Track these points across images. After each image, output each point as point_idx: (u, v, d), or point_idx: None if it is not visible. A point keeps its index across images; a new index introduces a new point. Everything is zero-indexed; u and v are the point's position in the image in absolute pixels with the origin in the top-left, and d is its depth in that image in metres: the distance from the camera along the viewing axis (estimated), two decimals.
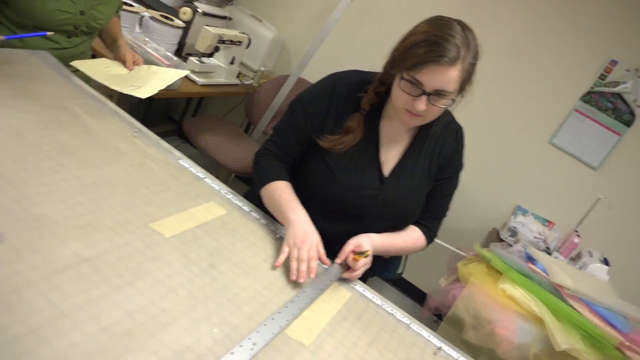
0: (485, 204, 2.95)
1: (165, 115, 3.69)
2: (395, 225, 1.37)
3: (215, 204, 1.25)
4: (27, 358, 0.67)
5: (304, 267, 1.09)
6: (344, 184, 1.28)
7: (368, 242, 1.26)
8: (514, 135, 2.82)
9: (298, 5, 3.17)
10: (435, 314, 2.37)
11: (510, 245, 2.54)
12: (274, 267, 1.12)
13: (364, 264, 1.22)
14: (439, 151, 1.35)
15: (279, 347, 0.92)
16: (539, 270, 2.03)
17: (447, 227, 2.94)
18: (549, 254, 2.52)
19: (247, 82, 2.99)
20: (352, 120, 1.27)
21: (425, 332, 1.19)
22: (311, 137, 1.29)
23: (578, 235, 2.50)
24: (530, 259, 2.13)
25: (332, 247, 1.35)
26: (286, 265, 1.15)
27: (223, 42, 2.64)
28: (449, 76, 1.10)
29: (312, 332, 1.00)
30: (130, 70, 1.68)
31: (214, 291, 0.97)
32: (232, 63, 2.83)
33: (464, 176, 2.91)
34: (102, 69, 1.60)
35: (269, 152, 1.33)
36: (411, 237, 1.42)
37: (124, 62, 1.70)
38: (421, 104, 1.14)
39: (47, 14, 1.46)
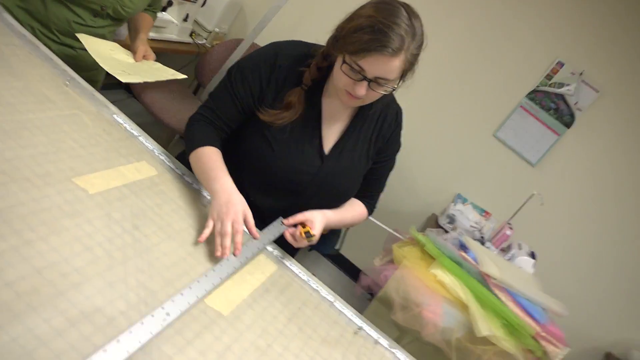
0: (426, 189, 3.01)
1: None
2: (332, 202, 1.36)
3: (146, 163, 1.21)
4: None
5: (227, 242, 1.05)
6: (282, 160, 1.26)
7: (321, 219, 1.25)
8: (460, 124, 2.87)
9: None
10: (369, 293, 2.41)
11: (447, 232, 2.61)
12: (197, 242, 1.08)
13: (307, 244, 1.21)
14: (378, 132, 1.34)
15: (196, 316, 0.90)
16: (469, 259, 2.09)
17: (388, 209, 3.00)
18: (483, 243, 2.60)
19: (199, 42, 2.90)
20: (293, 95, 1.24)
21: (349, 311, 1.20)
22: (249, 107, 1.26)
23: (510, 228, 2.59)
24: (463, 247, 2.19)
25: (268, 222, 1.34)
26: (213, 234, 1.12)
27: None
28: (391, 66, 1.09)
29: (232, 302, 0.99)
30: (136, 62, 1.65)
31: (134, 253, 0.94)
32: (185, 20, 2.73)
33: (408, 159, 2.98)
34: (106, 50, 1.55)
35: (203, 117, 1.28)
36: (357, 211, 1.44)
37: (134, 54, 1.67)
38: (361, 89, 1.12)
39: None
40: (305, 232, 1.18)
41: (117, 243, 0.93)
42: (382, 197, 2.84)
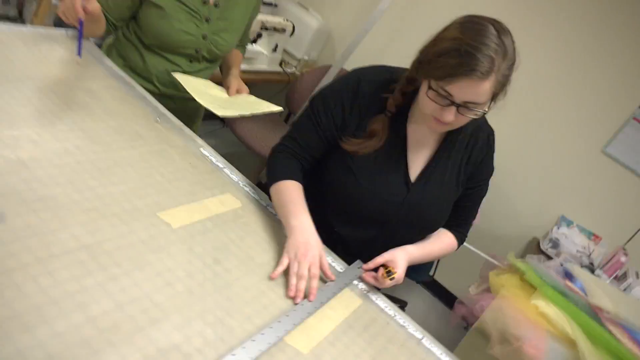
0: (527, 212, 2.81)
1: None
2: (419, 233, 1.30)
3: (231, 195, 1.22)
4: (5, 343, 0.66)
5: (302, 286, 1.03)
6: (367, 190, 1.22)
7: (403, 257, 1.20)
8: (564, 140, 2.66)
9: None
10: (465, 323, 2.28)
11: (550, 258, 2.41)
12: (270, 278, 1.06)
13: (391, 284, 1.16)
14: (469, 157, 1.26)
15: (273, 354, 0.88)
16: (576, 289, 1.91)
17: (485, 233, 2.85)
18: (592, 270, 2.38)
19: (289, 71, 2.96)
20: (377, 123, 1.20)
21: (437, 349, 1.12)
22: (333, 135, 1.23)
23: (626, 254, 2.34)
24: (568, 275, 2.01)
25: (352, 250, 1.30)
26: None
27: (266, 28, 2.62)
28: (481, 89, 1.02)
29: (312, 339, 0.96)
30: (230, 96, 1.64)
31: (214, 289, 0.94)
32: (274, 50, 2.80)
33: (506, 180, 2.81)
34: (200, 87, 1.57)
35: (286, 148, 1.27)
36: (445, 242, 1.36)
37: (228, 89, 1.67)
38: (449, 115, 1.06)
39: (173, 33, 1.48)
40: (387, 272, 1.14)
41: (197, 278, 0.94)
42: (479, 221, 2.71)
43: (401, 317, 1.15)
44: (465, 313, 2.10)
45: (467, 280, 2.37)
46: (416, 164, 1.25)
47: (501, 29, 1.02)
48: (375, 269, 1.20)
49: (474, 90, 1.02)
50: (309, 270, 1.05)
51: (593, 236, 2.65)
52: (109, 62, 1.48)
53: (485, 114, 1.10)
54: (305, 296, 1.02)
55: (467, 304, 2.09)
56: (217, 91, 1.64)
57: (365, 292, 1.18)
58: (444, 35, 1.05)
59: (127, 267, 0.88)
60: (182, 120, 1.43)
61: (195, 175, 1.22)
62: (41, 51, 1.35)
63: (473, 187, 1.31)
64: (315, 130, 1.24)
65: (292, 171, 1.23)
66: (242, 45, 1.86)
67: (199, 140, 1.38)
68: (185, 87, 1.47)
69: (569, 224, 2.69)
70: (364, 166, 1.22)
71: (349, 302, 1.11)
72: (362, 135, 1.21)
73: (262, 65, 2.79)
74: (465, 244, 2.45)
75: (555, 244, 2.60)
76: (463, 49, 0.99)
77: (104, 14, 1.42)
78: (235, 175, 1.31)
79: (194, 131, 1.42)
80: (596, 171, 2.62)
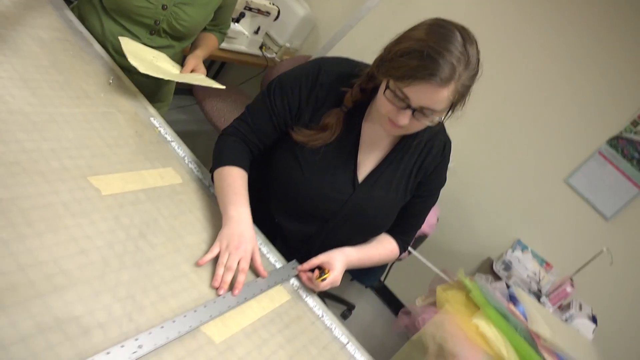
0: (484, 231, 2.82)
1: None
2: (360, 234, 1.27)
3: (172, 170, 1.17)
4: None
5: (228, 278, 0.98)
6: (311, 183, 1.18)
7: (341, 259, 1.17)
8: (529, 165, 2.67)
9: None
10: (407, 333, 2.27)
11: (500, 279, 2.42)
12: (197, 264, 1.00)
13: (325, 286, 1.12)
14: (421, 164, 1.23)
15: (183, 339, 0.84)
16: (518, 313, 1.91)
17: (439, 246, 2.85)
18: (539, 297, 2.39)
19: (269, 55, 2.90)
20: (331, 116, 1.16)
21: (362, 357, 1.09)
22: (286, 123, 1.19)
23: (572, 285, 2.36)
24: (513, 299, 2.01)
25: (291, 244, 1.26)
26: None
27: (250, 9, 2.55)
28: (438, 96, 0.99)
29: (228, 329, 0.91)
30: (182, 73, 1.48)
31: (132, 262, 0.89)
32: (256, 32, 2.74)
33: (467, 195, 2.82)
34: (147, 56, 1.42)
35: (237, 132, 1.22)
36: (386, 249, 1.32)
37: (184, 66, 1.51)
38: (404, 118, 1.03)
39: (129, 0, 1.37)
40: (320, 273, 1.10)
41: (116, 249, 0.89)
42: (436, 233, 2.71)
43: (328, 319, 1.12)
44: (408, 323, 2.08)
45: (418, 290, 2.36)
46: (366, 164, 1.22)
47: (468, 38, 1.00)
48: (312, 270, 1.16)
49: (431, 96, 0.99)
50: (239, 263, 1.01)
51: (545, 263, 2.67)
52: (70, 14, 1.41)
53: (440, 122, 1.07)
54: (230, 289, 0.98)
55: (411, 315, 2.07)
56: (168, 65, 1.48)
57: (295, 288, 1.14)
58: (409, 35, 1.02)
59: (40, 228, 0.82)
60: (146, 96, 1.35)
61: (139, 144, 1.17)
62: None
63: (421, 196, 1.29)
64: (269, 116, 1.19)
65: (239, 157, 1.18)
66: (218, 31, 1.72)
67: (151, 109, 1.32)
68: (124, 49, 1.32)
69: (524, 248, 2.70)
70: (311, 159, 1.18)
71: (276, 297, 1.07)
72: (314, 127, 1.17)
73: (241, 46, 2.73)
74: (418, 255, 2.45)
75: (508, 267, 2.61)
76: (426, 52, 0.96)
77: None
78: (182, 150, 1.26)
79: (159, 111, 1.35)
80: (556, 200, 2.64)
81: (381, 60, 1.07)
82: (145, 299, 0.85)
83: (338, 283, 1.16)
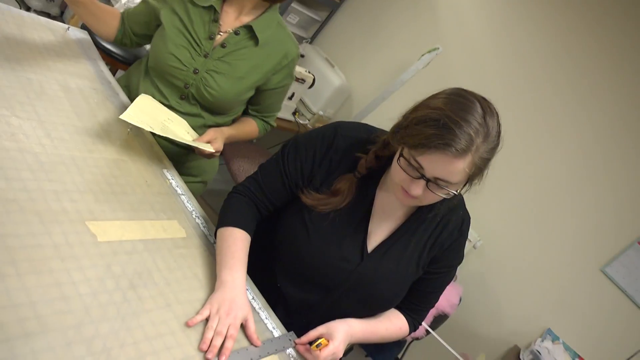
0: (512, 317, 2.65)
1: None
2: (368, 308, 1.18)
3: (177, 223, 1.14)
4: None
5: (218, 343, 0.92)
6: (317, 249, 1.12)
7: (343, 330, 1.09)
8: (563, 251, 2.54)
9: (374, 60, 3.12)
10: None
11: None
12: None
13: (325, 357, 1.04)
14: (435, 238, 1.16)
15: None
16: None
17: (462, 329, 2.69)
18: None
19: (301, 122, 2.94)
20: (343, 182, 1.12)
21: None
22: (297, 184, 1.15)
23: None
24: None
25: (293, 312, 1.19)
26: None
27: None
28: (454, 167, 0.93)
29: None
30: (197, 141, 1.38)
31: (116, 314, 0.84)
32: (290, 98, 2.79)
33: (497, 279, 2.68)
34: (160, 116, 1.34)
35: (247, 191, 1.19)
36: (395, 325, 1.23)
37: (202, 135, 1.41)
38: (417, 189, 0.98)
39: (164, 55, 1.36)
40: (317, 345, 1.02)
41: (101, 299, 0.85)
42: (458, 313, 2.56)
43: None
44: None
45: None
46: (377, 234, 1.15)
47: (488, 109, 0.95)
48: (311, 344, 1.08)
49: (446, 166, 0.94)
50: (227, 329, 0.95)
51: (578, 357, 2.47)
52: (102, 65, 1.45)
53: (458, 196, 1.01)
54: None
55: None
56: (181, 130, 1.37)
57: (292, 358, 1.06)
58: (427, 103, 0.98)
59: (23, 269, 0.79)
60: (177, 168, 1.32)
61: (146, 193, 1.15)
62: (33, 36, 1.32)
63: (436, 273, 1.20)
64: (281, 176, 1.16)
65: (245, 219, 1.14)
66: (261, 118, 1.60)
67: (166, 162, 1.31)
68: (134, 101, 1.29)
69: (555, 339, 2.52)
70: (319, 224, 1.12)
71: None
72: (325, 191, 1.13)
73: None
74: (437, 336, 2.31)
75: (536, 357, 2.42)
76: (442, 121, 0.92)
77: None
78: (191, 205, 1.23)
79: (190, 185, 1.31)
80: (591, 290, 2.47)
81: (397, 127, 1.03)
82: (122, 355, 0.79)
83: (339, 356, 1.07)
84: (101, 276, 0.88)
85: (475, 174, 0.97)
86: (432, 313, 2.10)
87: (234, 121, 1.57)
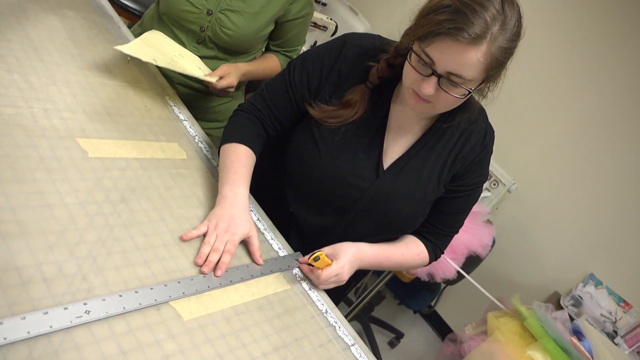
0: (552, 262, 2.53)
1: None
2: (383, 229, 1.11)
3: (177, 145, 1.10)
4: None
5: (214, 258, 0.88)
6: (329, 166, 1.06)
7: (351, 252, 1.02)
8: (607, 189, 2.38)
9: (400, 7, 2.98)
10: None
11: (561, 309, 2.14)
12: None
13: (327, 278, 0.98)
14: (457, 153, 1.07)
15: (144, 310, 0.73)
16: (582, 349, 1.65)
17: (498, 275, 2.59)
18: (613, 338, 2.09)
19: None
20: (355, 93, 1.04)
21: None
22: (304, 98, 1.08)
23: None
24: (577, 332, 1.75)
25: (306, 238, 1.14)
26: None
27: None
28: (467, 58, 0.84)
29: (202, 307, 0.80)
30: (209, 75, 1.32)
31: (104, 224, 0.81)
32: (312, 47, 2.71)
33: (535, 224, 2.56)
34: (170, 51, 1.30)
35: (252, 108, 1.12)
36: (412, 250, 1.15)
37: (215, 70, 1.36)
38: (429, 87, 0.89)
39: (177, 3, 1.33)
40: (314, 258, 0.96)
41: (89, 209, 0.81)
42: (494, 259, 2.46)
43: (333, 316, 0.97)
44: (454, 351, 1.87)
45: (471, 319, 2.13)
46: (393, 151, 1.08)
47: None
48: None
49: (458, 57, 0.85)
50: (225, 245, 0.90)
51: (623, 302, 2.34)
52: (104, 0, 1.41)
53: (470, 93, 0.92)
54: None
55: (457, 342, 1.86)
56: (192, 65, 1.30)
57: (299, 279, 1.01)
58: None
59: (5, 176, 0.76)
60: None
61: (145, 117, 1.11)
62: None
63: (458, 191, 1.12)
64: (287, 91, 1.09)
65: (249, 136, 1.09)
66: (282, 53, 1.54)
67: (170, 91, 1.27)
68: (141, 36, 1.25)
69: (598, 284, 2.39)
70: (330, 138, 1.05)
71: (271, 284, 0.94)
72: (335, 103, 1.06)
73: None
74: (471, 280, 2.22)
75: (578, 303, 2.31)
76: (455, 6, 0.83)
77: None
78: (194, 130, 1.18)
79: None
80: (637, 232, 2.32)
81: (409, 27, 0.95)
82: (108, 262, 0.76)
83: (344, 277, 1.01)
84: (90, 188, 0.85)
85: (494, 67, 0.88)
86: (463, 254, 2.02)
87: None
